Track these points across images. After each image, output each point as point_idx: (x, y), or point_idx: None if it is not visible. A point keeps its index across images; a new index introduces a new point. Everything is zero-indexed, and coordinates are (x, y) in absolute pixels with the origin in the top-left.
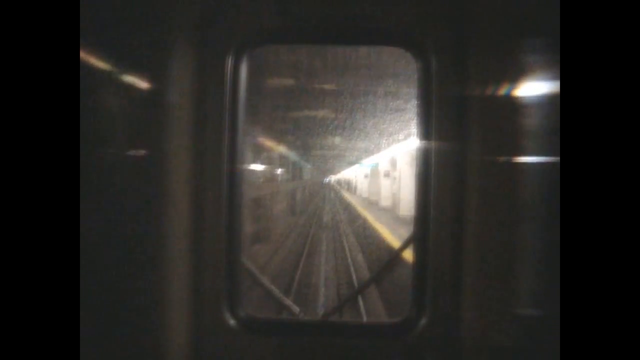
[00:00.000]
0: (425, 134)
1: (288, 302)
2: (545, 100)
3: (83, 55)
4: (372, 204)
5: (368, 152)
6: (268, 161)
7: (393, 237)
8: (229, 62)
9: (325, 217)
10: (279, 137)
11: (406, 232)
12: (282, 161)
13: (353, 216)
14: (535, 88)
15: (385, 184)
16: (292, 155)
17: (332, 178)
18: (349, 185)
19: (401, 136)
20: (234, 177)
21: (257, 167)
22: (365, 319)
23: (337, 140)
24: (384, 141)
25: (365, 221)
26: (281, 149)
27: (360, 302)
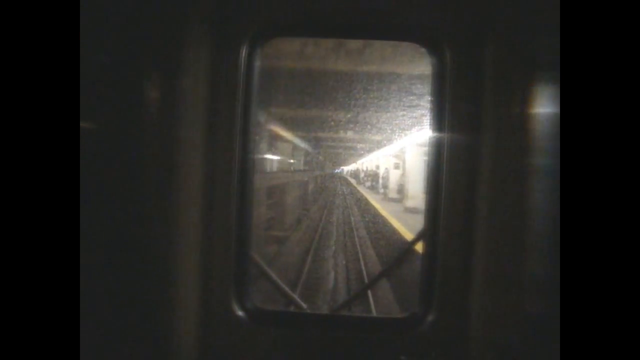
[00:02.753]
0: (439, 128)
1: (295, 297)
2: (558, 96)
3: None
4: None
5: (380, 145)
6: (282, 153)
7: (392, 221)
8: (243, 54)
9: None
10: (293, 129)
11: (411, 221)
12: (296, 152)
13: (358, 200)
14: (549, 83)
15: (395, 176)
16: (305, 146)
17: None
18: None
19: (414, 130)
20: (246, 169)
21: (272, 158)
22: (374, 313)
23: (349, 133)
24: (397, 135)
25: (368, 204)
26: (295, 140)
27: (370, 297)
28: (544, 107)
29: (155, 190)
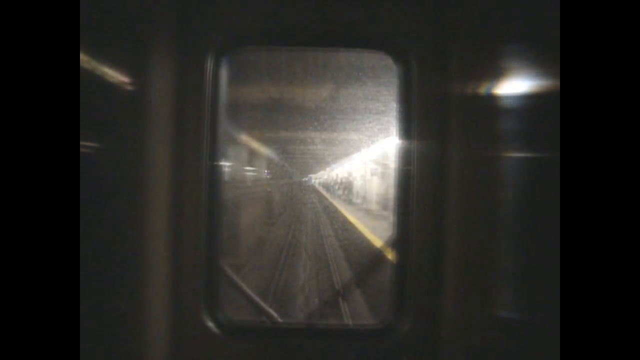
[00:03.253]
0: (406, 136)
1: (267, 307)
2: (523, 100)
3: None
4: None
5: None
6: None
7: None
8: (209, 63)
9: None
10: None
11: (369, 221)
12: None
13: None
14: (513, 88)
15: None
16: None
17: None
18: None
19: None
20: (214, 178)
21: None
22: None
23: (317, 141)
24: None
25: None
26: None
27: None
28: (510, 112)
29: (124, 204)
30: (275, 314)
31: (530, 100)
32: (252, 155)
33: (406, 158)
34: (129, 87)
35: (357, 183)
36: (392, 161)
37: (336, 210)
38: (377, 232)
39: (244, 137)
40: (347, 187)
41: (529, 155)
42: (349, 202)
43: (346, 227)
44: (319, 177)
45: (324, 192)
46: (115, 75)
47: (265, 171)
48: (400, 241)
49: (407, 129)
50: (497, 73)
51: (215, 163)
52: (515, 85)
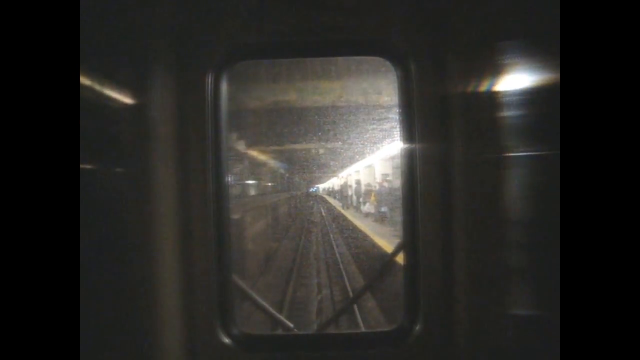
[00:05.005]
0: (409, 139)
1: (281, 317)
2: (524, 98)
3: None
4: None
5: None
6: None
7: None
8: (209, 79)
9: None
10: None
11: (371, 225)
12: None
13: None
14: (512, 87)
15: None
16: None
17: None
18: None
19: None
20: (220, 193)
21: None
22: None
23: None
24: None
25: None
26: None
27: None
28: (511, 112)
29: (132, 221)
30: (289, 324)
31: (530, 98)
32: (257, 168)
33: (410, 161)
34: (131, 107)
35: (364, 189)
36: (397, 165)
37: (341, 216)
38: (386, 237)
39: (248, 151)
40: (355, 193)
41: (533, 153)
42: (356, 209)
43: (356, 235)
44: (326, 186)
45: (331, 200)
46: (116, 96)
47: (271, 184)
48: (408, 243)
49: (410, 132)
50: (497, 71)
51: (221, 179)
52: (516, 83)
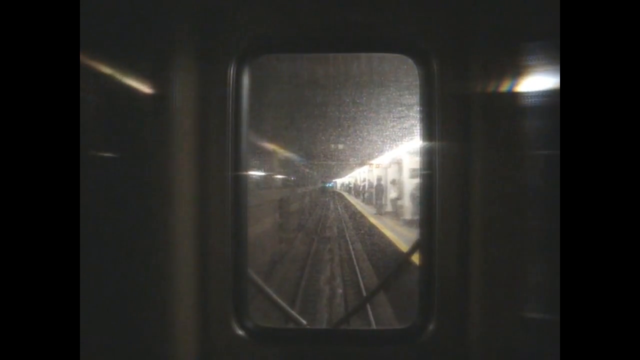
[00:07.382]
0: (429, 138)
1: (294, 313)
2: (545, 99)
3: (89, 65)
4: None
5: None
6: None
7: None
8: (231, 71)
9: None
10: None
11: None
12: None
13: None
14: (535, 87)
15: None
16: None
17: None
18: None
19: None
20: (239, 186)
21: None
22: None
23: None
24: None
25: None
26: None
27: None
28: (532, 109)
29: (150, 213)
30: (302, 320)
31: (552, 99)
32: (277, 162)
33: (429, 160)
34: (152, 98)
35: (381, 187)
36: (417, 163)
37: (357, 212)
38: (403, 237)
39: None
40: (372, 191)
41: (553, 153)
42: (372, 205)
43: (372, 232)
44: (343, 182)
45: (348, 196)
46: (138, 87)
47: (291, 177)
48: (425, 242)
49: (430, 131)
50: (518, 72)
51: (240, 172)
52: (537, 83)
